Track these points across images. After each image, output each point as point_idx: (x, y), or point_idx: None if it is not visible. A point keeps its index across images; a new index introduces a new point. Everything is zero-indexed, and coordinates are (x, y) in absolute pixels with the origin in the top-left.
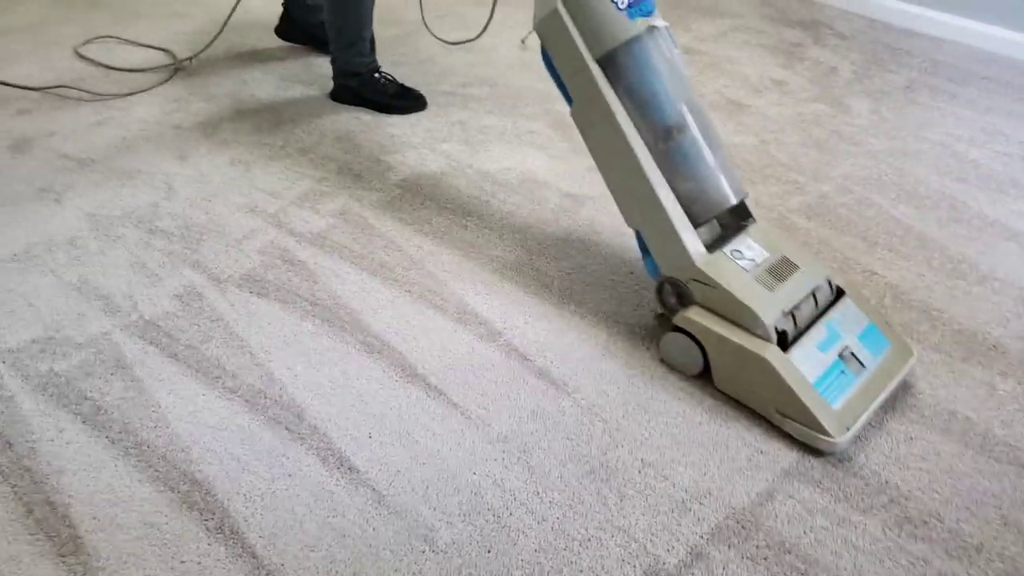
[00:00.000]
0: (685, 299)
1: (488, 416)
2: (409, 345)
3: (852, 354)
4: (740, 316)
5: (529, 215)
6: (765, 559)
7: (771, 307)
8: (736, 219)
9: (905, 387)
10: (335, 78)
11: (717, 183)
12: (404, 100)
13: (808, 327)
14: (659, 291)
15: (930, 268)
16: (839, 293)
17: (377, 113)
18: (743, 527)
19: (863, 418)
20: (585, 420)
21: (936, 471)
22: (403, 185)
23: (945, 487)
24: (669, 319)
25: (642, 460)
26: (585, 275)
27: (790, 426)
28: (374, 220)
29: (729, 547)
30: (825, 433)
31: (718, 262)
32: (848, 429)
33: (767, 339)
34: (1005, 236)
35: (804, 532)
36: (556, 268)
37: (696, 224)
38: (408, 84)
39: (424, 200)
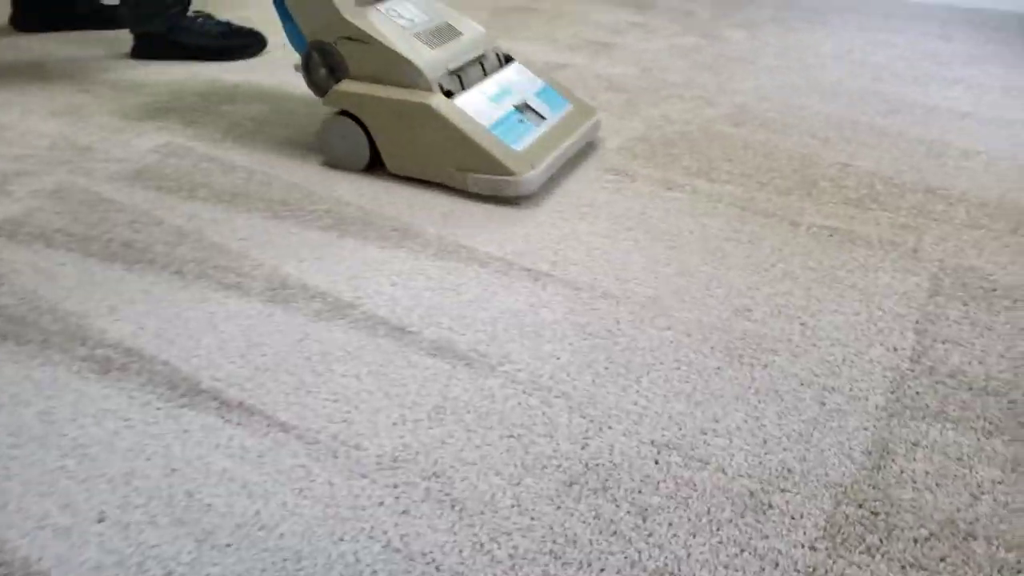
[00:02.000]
0: (337, 71)
1: (354, 434)
2: (182, 349)
3: (528, 106)
4: (399, 72)
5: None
6: None
7: (433, 62)
8: None
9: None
10: (132, 28)
11: None
12: (239, 39)
13: (471, 87)
14: (307, 66)
15: (903, 152)
16: (508, 60)
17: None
18: None
19: (548, 160)
20: (533, 402)
21: None
22: (163, 150)
23: None
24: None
25: (652, 441)
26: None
27: (475, 182)
28: (114, 194)
29: None
30: (508, 172)
31: (370, 15)
32: (534, 167)
33: (431, 90)
34: (956, 117)
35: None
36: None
37: None
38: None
39: (198, 161)
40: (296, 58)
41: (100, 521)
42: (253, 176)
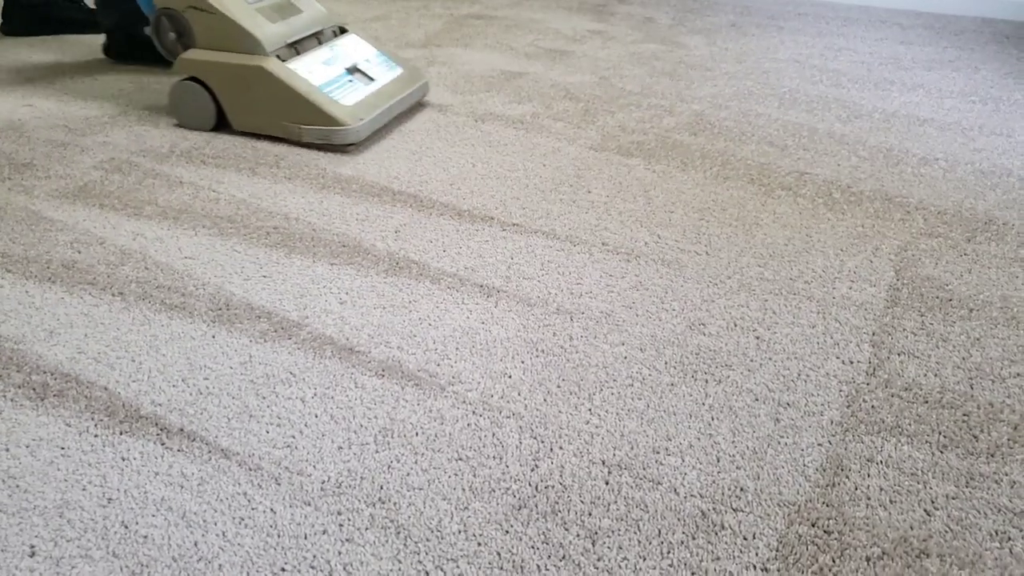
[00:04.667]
0: (184, 36)
1: (298, 459)
2: (123, 374)
3: (358, 69)
4: (240, 41)
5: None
6: None
7: (271, 34)
8: None
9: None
10: (102, 23)
11: None
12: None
13: (305, 54)
14: (156, 29)
15: (862, 160)
16: (343, 31)
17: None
18: None
19: (375, 114)
20: (483, 423)
21: None
22: (108, 165)
23: None
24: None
25: (603, 461)
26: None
27: (308, 133)
28: (55, 213)
29: None
30: (337, 123)
31: None
32: (361, 120)
33: (267, 56)
34: (916, 123)
35: None
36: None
37: None
38: None
39: (144, 177)
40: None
41: (31, 556)
42: (200, 192)
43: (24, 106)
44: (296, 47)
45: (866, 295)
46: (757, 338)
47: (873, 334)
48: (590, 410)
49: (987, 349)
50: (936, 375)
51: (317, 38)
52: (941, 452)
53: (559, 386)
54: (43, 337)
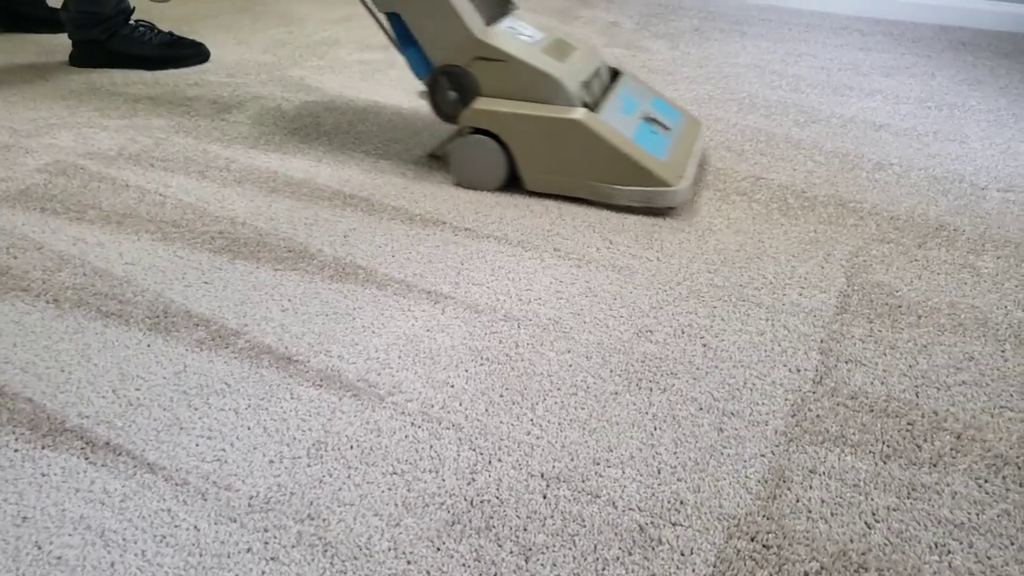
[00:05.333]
0: (467, 92)
1: (227, 473)
2: (50, 385)
3: (654, 119)
4: (539, 88)
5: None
6: None
7: (569, 75)
8: (499, 5)
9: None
10: (71, 34)
11: None
12: (178, 50)
13: (601, 101)
14: (433, 91)
15: (818, 165)
16: (615, 74)
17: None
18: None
19: (691, 169)
20: (421, 435)
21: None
22: (52, 168)
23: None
24: (454, 127)
25: (542, 474)
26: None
27: (623, 194)
28: None
29: None
30: (664, 183)
31: (501, 35)
32: (682, 179)
33: (573, 105)
34: (872, 128)
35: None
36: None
37: None
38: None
39: (89, 181)
40: (407, 83)
41: None
42: (145, 196)
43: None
44: (590, 89)
45: (816, 302)
46: (704, 345)
47: (822, 341)
48: (532, 420)
49: (934, 356)
50: (883, 383)
51: (600, 78)
52: (884, 462)
53: (502, 395)
54: None
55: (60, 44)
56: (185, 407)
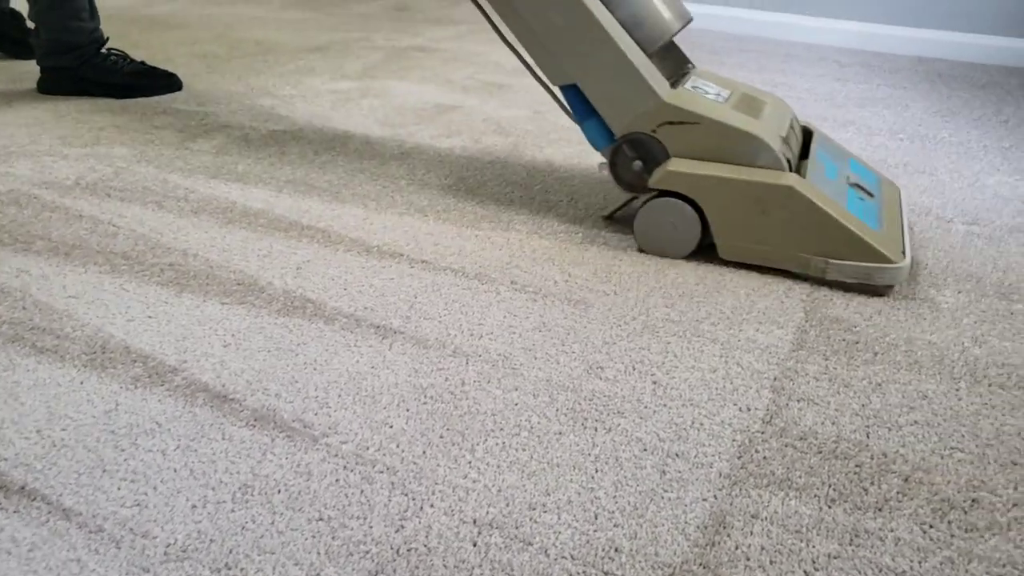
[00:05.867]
0: (652, 159)
1: (145, 520)
2: None
3: (859, 184)
4: (736, 149)
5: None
6: None
7: (769, 133)
8: (676, 66)
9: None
10: (40, 60)
11: (655, 4)
12: (149, 79)
13: (803, 163)
14: (614, 162)
15: None
16: (807, 132)
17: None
18: None
19: (907, 243)
20: (353, 479)
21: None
22: (5, 198)
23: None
24: (636, 196)
25: (474, 520)
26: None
27: (837, 269)
28: None
29: None
30: (884, 259)
31: (687, 96)
32: (903, 254)
33: (780, 168)
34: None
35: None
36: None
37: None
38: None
39: (41, 210)
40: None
41: None
42: (98, 226)
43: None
44: (788, 144)
45: (772, 338)
46: (654, 383)
47: (775, 379)
48: (470, 463)
49: (887, 395)
50: (833, 423)
51: (795, 135)
52: (829, 507)
53: (442, 436)
54: None
55: (29, 70)
56: (111, 448)
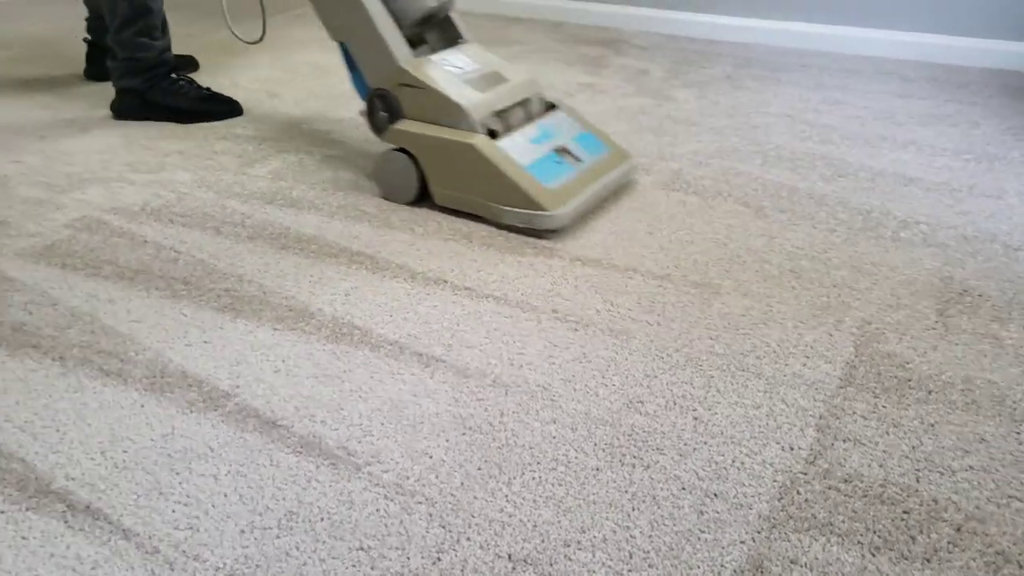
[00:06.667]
0: (396, 112)
1: (197, 543)
2: (44, 445)
3: (567, 150)
4: (448, 114)
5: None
6: None
7: (479, 105)
8: (448, 39)
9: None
10: (115, 82)
11: None
12: (213, 105)
13: (515, 130)
14: (370, 111)
15: (839, 222)
16: (551, 107)
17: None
18: None
19: (581, 198)
20: (392, 509)
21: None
22: (79, 224)
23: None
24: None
25: (509, 555)
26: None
27: (510, 215)
28: (17, 272)
29: None
30: (540, 208)
31: (424, 65)
32: (564, 205)
33: (475, 131)
34: (902, 183)
35: None
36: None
37: (401, 27)
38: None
39: (110, 236)
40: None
41: None
42: (161, 252)
43: (12, 162)
44: (505, 118)
45: (819, 373)
46: (695, 419)
47: (820, 417)
48: (506, 497)
49: (940, 437)
50: (881, 465)
51: (525, 109)
52: (873, 555)
53: (480, 468)
54: None
55: (107, 96)
56: (167, 471)
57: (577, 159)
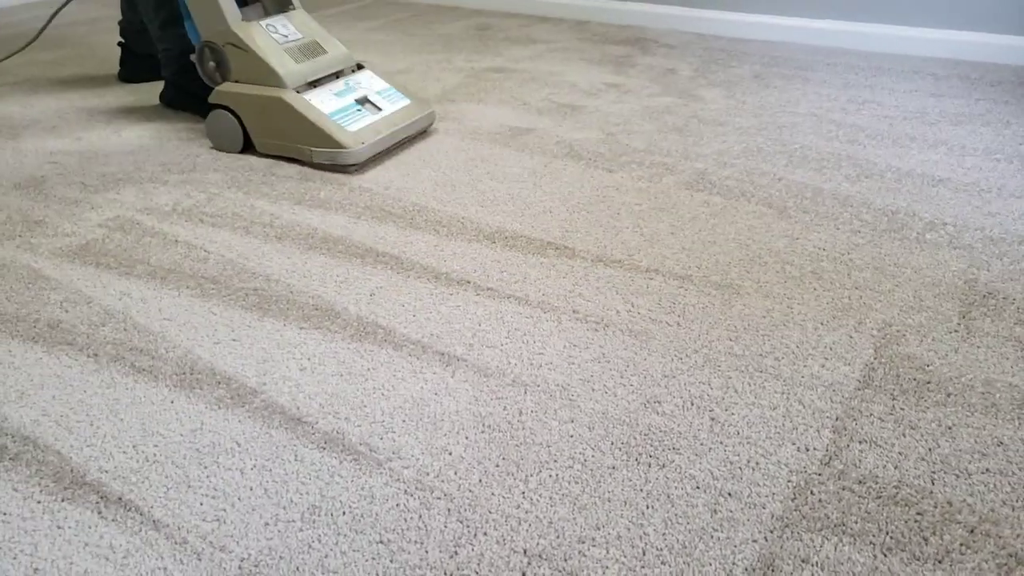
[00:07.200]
0: (223, 69)
1: (223, 535)
2: (79, 438)
3: (368, 100)
4: (267, 77)
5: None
6: None
7: (294, 72)
8: (280, 5)
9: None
10: (163, 70)
11: None
12: None
13: (321, 87)
14: (200, 58)
15: (864, 224)
16: (360, 67)
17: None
18: None
19: (377, 138)
20: (412, 504)
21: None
22: (112, 224)
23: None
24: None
25: (525, 551)
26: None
27: (317, 155)
28: (53, 271)
29: None
30: (340, 145)
31: (251, 29)
32: (363, 144)
33: (284, 88)
34: (930, 183)
35: None
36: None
37: None
38: None
39: (142, 236)
40: None
41: None
42: (192, 251)
43: (49, 163)
44: (316, 83)
45: (838, 374)
46: (712, 419)
47: (837, 418)
48: (523, 493)
49: (958, 439)
50: (896, 467)
51: (337, 75)
52: (884, 555)
53: (498, 465)
54: (14, 398)
55: (138, 96)
56: (196, 465)
57: (377, 108)
